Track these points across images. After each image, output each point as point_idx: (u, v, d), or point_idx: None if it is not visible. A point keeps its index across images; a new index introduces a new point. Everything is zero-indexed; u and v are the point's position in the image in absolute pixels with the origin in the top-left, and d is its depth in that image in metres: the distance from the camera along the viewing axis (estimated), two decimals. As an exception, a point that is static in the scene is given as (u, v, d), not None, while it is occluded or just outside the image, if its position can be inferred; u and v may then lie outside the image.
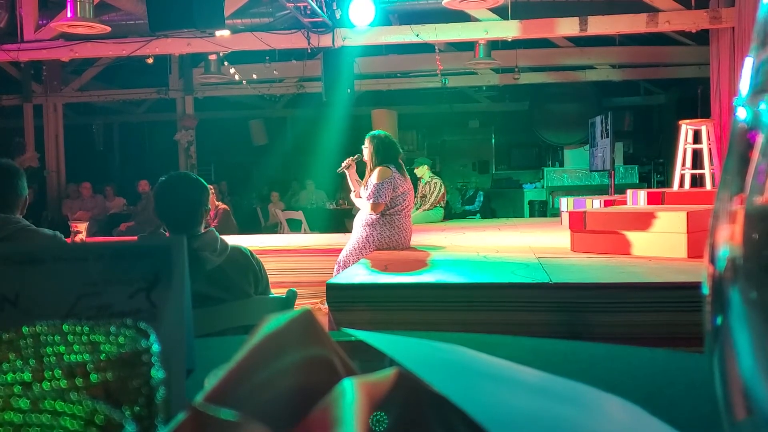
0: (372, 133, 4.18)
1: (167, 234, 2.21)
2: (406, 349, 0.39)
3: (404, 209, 4.06)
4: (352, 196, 4.22)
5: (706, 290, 0.25)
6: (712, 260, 0.25)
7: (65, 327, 0.28)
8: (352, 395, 0.30)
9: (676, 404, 0.50)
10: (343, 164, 4.24)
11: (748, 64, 0.24)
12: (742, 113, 0.24)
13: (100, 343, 0.28)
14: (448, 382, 0.32)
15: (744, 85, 0.24)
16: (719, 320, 0.25)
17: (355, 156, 4.23)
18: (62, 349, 0.28)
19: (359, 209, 4.16)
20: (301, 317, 0.35)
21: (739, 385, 0.24)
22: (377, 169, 3.97)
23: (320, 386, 0.33)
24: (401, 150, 4.22)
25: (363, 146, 4.12)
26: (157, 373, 0.26)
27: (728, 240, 0.24)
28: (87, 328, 0.28)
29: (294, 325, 0.35)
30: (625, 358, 0.63)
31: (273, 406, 0.31)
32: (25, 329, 0.28)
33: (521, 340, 0.67)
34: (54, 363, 0.27)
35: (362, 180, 4.17)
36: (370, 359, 0.42)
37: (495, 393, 0.33)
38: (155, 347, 0.26)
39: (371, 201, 3.94)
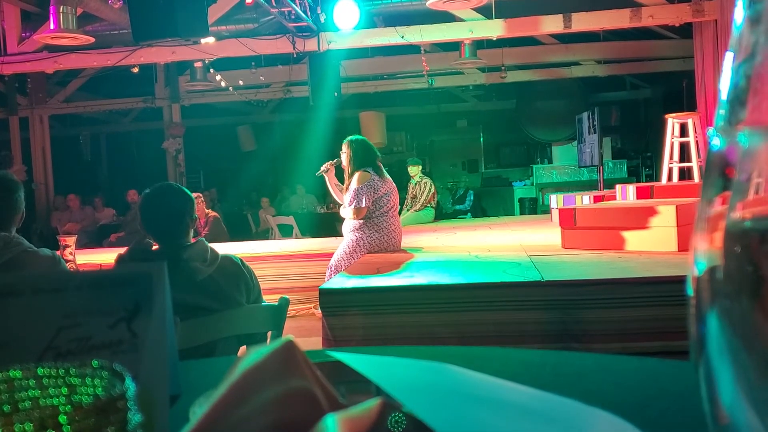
0: (349, 138, 4.17)
1: (155, 245, 2.19)
2: (390, 373, 0.38)
3: (389, 210, 4.04)
4: (341, 210, 4.17)
5: (690, 292, 0.25)
6: (696, 266, 0.25)
7: (40, 371, 0.28)
8: (333, 432, 0.29)
9: (665, 415, 0.50)
10: (322, 168, 4.23)
11: (729, 58, 0.24)
12: (717, 142, 0.24)
13: (77, 386, 0.27)
14: (433, 409, 0.32)
15: (725, 84, 0.24)
16: (703, 329, 0.24)
17: (334, 160, 4.22)
18: (37, 393, 0.27)
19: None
20: (281, 349, 0.35)
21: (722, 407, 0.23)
22: (356, 174, 3.96)
23: (302, 421, 0.32)
24: (378, 153, 4.20)
25: (341, 151, 4.11)
26: (134, 417, 0.25)
27: (708, 252, 0.24)
28: (62, 371, 0.28)
29: (274, 358, 0.34)
30: (615, 369, 0.63)
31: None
32: (-2, 375, 0.27)
33: (511, 352, 0.67)
34: (27, 408, 0.26)
35: (342, 185, 4.16)
36: (355, 380, 0.41)
37: (480, 418, 0.33)
38: (131, 391, 0.25)
39: (353, 206, 3.93)
